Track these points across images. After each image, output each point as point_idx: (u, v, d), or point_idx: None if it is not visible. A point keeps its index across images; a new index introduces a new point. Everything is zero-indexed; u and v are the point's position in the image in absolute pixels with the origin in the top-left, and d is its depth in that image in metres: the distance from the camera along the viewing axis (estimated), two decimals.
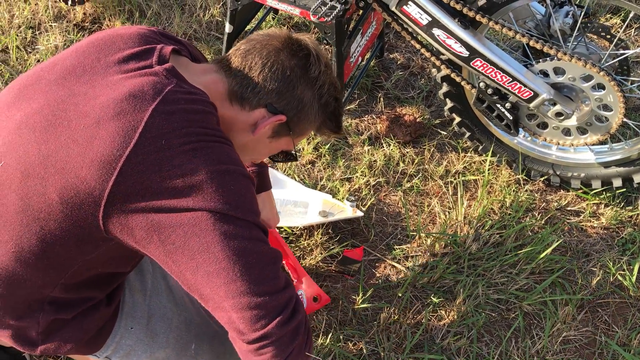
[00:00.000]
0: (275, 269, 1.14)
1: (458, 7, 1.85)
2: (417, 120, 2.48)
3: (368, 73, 2.66)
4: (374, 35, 2.49)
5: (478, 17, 1.85)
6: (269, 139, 1.32)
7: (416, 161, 2.36)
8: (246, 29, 2.49)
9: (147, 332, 1.43)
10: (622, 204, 2.25)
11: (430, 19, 1.90)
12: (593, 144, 2.06)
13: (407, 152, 2.40)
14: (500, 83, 1.93)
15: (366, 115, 2.54)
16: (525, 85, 1.91)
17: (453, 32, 1.89)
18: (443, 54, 1.99)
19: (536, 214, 2.23)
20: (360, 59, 2.41)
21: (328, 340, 1.84)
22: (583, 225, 2.22)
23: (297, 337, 1.15)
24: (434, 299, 1.96)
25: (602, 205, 2.26)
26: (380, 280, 2.04)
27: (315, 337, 1.85)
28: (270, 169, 2.26)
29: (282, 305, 1.13)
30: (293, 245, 2.08)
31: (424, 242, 2.12)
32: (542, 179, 2.28)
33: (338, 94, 1.34)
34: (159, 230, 1.07)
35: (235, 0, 2.23)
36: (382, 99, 2.58)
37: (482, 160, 2.35)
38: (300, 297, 1.85)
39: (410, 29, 2.01)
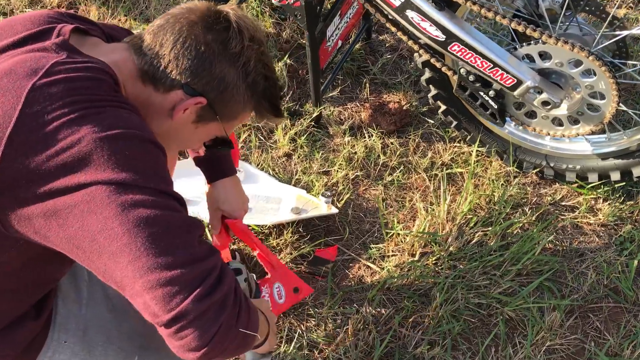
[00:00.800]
0: (189, 237, 1.01)
1: None
2: (403, 108, 2.32)
3: (354, 57, 2.50)
4: (358, 15, 2.33)
5: None
6: (194, 125, 1.19)
7: (399, 153, 2.21)
8: None
9: (83, 345, 1.34)
10: (622, 198, 2.07)
11: (403, 0, 1.74)
12: (586, 135, 1.88)
13: (391, 143, 2.24)
14: (481, 69, 1.76)
15: (350, 103, 2.39)
16: (507, 72, 1.73)
17: (427, 14, 1.73)
18: (420, 38, 1.83)
19: (527, 210, 2.06)
20: (340, 42, 2.25)
21: (291, 348, 1.73)
22: (578, 221, 2.05)
23: (222, 311, 1.01)
24: (408, 304, 1.83)
25: (601, 200, 2.08)
26: (353, 282, 1.92)
27: (277, 344, 1.73)
28: (243, 163, 2.15)
29: (200, 277, 0.99)
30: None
31: (403, 240, 1.98)
32: (534, 171, 2.11)
33: (269, 72, 1.19)
34: (56, 214, 0.97)
35: None
36: (367, 84, 2.42)
37: (471, 151, 2.18)
38: (277, 289, 1.72)
39: (385, 11, 1.85)
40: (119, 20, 2.62)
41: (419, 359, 1.75)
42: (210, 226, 1.65)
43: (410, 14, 1.75)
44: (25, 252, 1.08)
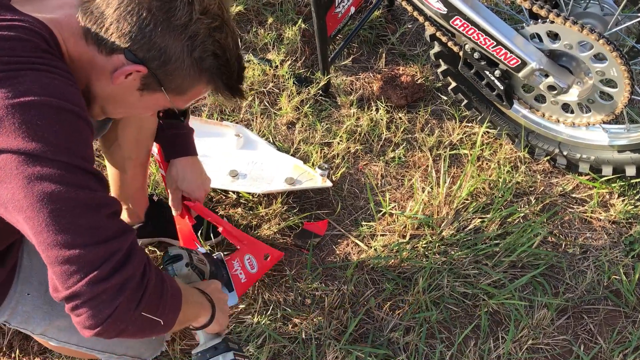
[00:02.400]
0: (96, 217, 0.99)
1: None
2: (417, 82, 2.22)
3: (373, 24, 2.40)
4: None
5: None
6: (139, 92, 1.14)
7: (405, 129, 2.12)
8: None
9: (45, 299, 1.37)
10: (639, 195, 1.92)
11: None
12: (599, 124, 1.74)
13: (399, 118, 2.15)
14: (484, 47, 1.64)
15: (363, 73, 2.30)
16: (511, 51, 1.61)
17: None
18: (424, 10, 1.72)
19: (532, 199, 1.94)
20: (353, 8, 2.16)
21: (264, 320, 1.72)
22: (587, 216, 1.92)
23: (119, 295, 1.00)
24: (389, 286, 1.77)
25: (615, 195, 1.93)
26: (338, 259, 1.88)
27: (251, 316, 1.73)
28: (243, 128, 2.12)
29: (99, 259, 0.98)
30: (251, 213, 1.94)
31: (396, 220, 1.91)
32: (546, 158, 1.98)
33: (220, 50, 1.11)
34: None
35: None
36: (384, 54, 2.32)
37: (483, 132, 2.07)
38: (249, 260, 1.71)
39: None
40: None
41: (394, 343, 1.70)
42: (171, 206, 1.64)
43: None
44: None
